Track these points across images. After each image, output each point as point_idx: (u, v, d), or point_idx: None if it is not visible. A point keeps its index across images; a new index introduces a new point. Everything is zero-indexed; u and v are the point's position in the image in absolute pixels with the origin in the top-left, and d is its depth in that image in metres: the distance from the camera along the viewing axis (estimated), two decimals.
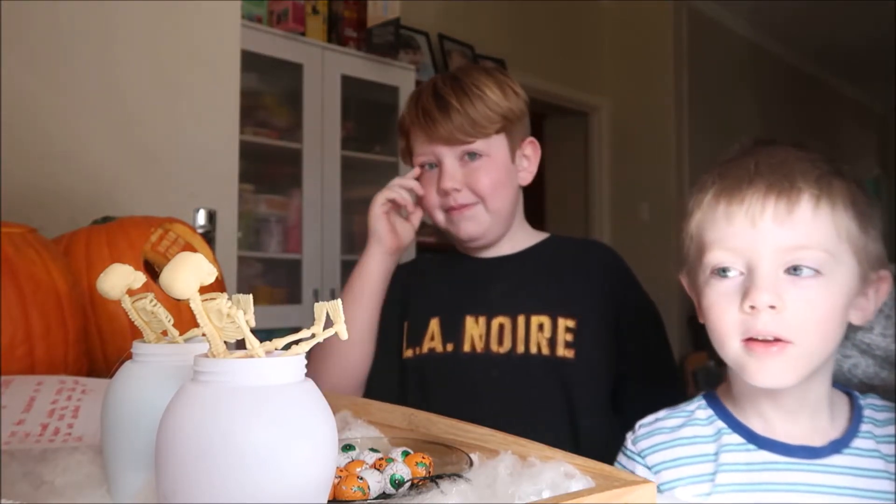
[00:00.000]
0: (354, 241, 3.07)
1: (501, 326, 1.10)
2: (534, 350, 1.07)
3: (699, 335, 4.57)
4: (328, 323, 0.40)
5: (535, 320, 1.09)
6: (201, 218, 1.43)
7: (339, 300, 0.41)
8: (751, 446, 0.78)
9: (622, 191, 4.84)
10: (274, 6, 2.86)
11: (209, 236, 1.42)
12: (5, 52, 1.21)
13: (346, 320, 0.39)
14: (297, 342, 0.40)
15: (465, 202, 1.11)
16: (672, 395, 1.12)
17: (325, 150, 2.93)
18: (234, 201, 1.55)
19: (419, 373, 1.13)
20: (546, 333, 1.08)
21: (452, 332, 1.12)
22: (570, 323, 1.08)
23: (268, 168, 2.99)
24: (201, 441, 0.35)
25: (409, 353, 1.15)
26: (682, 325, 4.57)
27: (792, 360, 0.72)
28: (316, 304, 0.40)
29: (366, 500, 0.48)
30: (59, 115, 1.30)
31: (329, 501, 0.39)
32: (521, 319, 1.09)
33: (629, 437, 0.86)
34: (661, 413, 0.86)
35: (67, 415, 0.63)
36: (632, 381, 1.11)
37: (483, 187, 1.10)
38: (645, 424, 0.85)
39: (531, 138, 1.18)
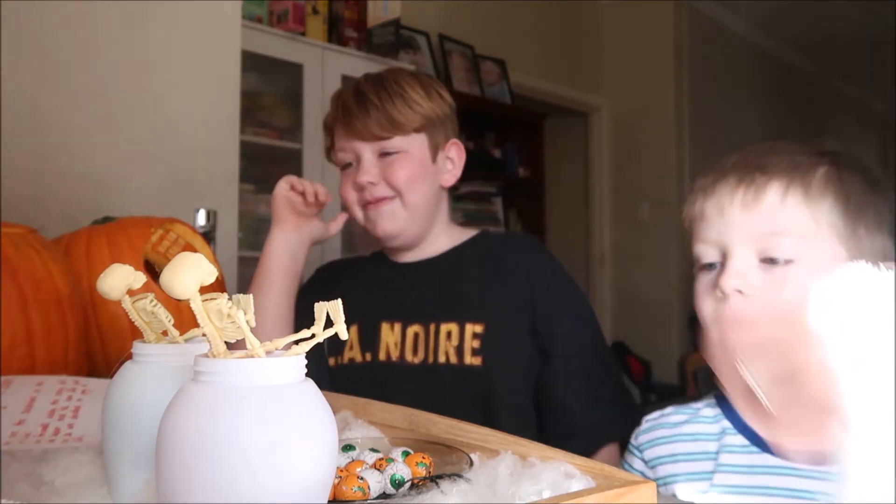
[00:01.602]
0: (354, 241, 3.06)
1: (416, 335, 1.08)
2: (442, 360, 1.05)
3: (699, 335, 4.56)
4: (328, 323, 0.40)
5: (444, 328, 1.06)
6: (201, 218, 1.43)
7: (339, 301, 0.41)
8: (753, 449, 0.76)
9: (622, 191, 4.84)
10: (274, 6, 2.85)
11: (209, 236, 1.42)
12: (6, 53, 1.21)
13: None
14: (296, 342, 0.40)
15: (381, 196, 1.10)
16: (602, 388, 1.08)
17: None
18: (234, 201, 1.56)
19: (342, 383, 1.10)
20: (453, 342, 1.05)
21: (369, 340, 1.10)
22: (478, 328, 1.05)
23: (268, 168, 2.99)
24: (201, 441, 0.35)
25: (331, 361, 1.13)
26: (682, 324, 4.57)
27: None
28: (316, 304, 0.40)
29: (366, 500, 0.48)
30: (59, 115, 1.30)
31: (329, 501, 0.39)
32: (432, 328, 1.07)
33: (634, 431, 0.86)
34: (668, 409, 0.85)
35: (68, 415, 0.63)
36: (555, 376, 1.06)
37: (398, 180, 1.09)
38: (650, 419, 0.85)
39: (456, 141, 1.16)
